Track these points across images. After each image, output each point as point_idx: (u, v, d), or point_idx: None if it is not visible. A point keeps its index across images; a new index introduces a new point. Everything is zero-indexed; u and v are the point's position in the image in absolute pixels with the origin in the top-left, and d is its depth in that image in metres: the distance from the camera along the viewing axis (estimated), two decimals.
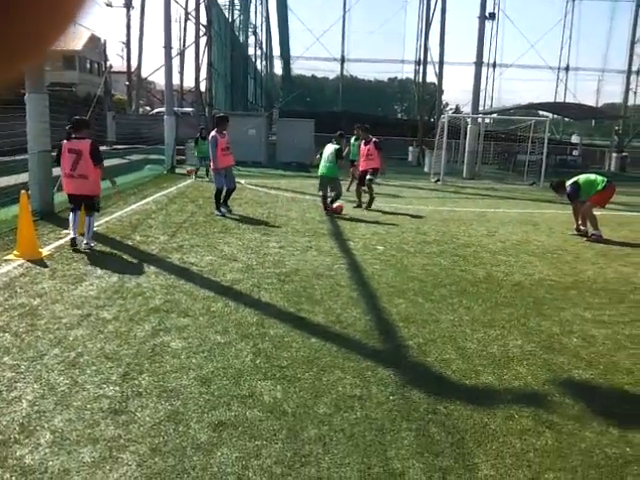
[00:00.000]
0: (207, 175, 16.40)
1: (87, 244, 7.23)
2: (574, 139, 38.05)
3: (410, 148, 28.01)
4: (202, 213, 10.63)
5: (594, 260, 8.02)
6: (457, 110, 48.99)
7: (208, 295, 5.61)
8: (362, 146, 12.48)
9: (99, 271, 6.27)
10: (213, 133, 10.37)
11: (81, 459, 2.88)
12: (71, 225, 7.31)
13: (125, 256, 7.01)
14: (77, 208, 7.33)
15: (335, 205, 11.31)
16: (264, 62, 42.00)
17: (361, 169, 12.33)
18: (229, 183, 10.56)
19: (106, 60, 38.17)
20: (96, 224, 8.26)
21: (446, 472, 2.93)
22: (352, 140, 15.29)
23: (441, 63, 28.77)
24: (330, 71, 41.74)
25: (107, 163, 11.29)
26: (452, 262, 7.51)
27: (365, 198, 12.21)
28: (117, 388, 3.63)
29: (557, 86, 39.27)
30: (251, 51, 38.58)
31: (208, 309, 5.19)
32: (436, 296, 5.96)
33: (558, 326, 5.22)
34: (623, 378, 4.20)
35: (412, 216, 11.51)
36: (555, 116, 35.03)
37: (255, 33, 38.68)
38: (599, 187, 9.73)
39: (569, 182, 9.94)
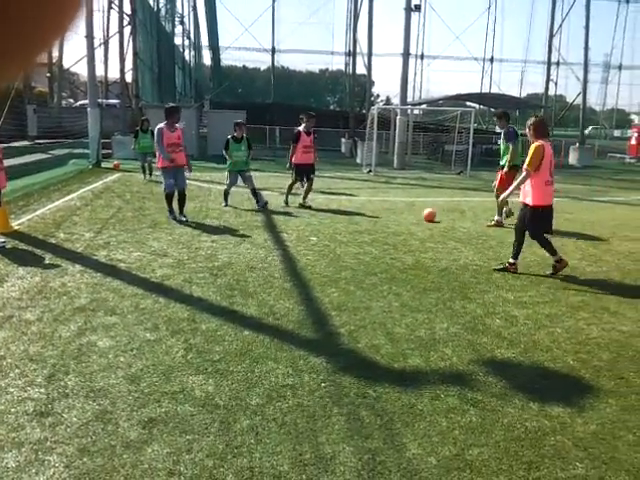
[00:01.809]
0: (150, 174, 14.72)
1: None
2: (498, 129, 39.47)
3: (343, 139, 28.26)
4: (129, 208, 10.35)
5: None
6: (387, 101, 49.82)
7: (137, 292, 5.49)
8: (303, 136, 11.26)
9: (21, 271, 6.01)
10: (160, 125, 9.32)
11: (5, 464, 2.78)
12: None
13: (48, 255, 6.74)
14: None
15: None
16: (192, 52, 41.13)
17: (303, 162, 11.24)
18: (180, 183, 9.46)
19: None
20: (18, 222, 7.91)
21: (375, 453, 3.02)
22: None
23: (370, 55, 29.12)
24: (261, 62, 41.47)
25: (29, 159, 10.84)
26: (383, 250, 7.68)
27: (299, 191, 12.00)
28: (42, 390, 3.52)
29: (483, 77, 40.63)
30: (178, 41, 37.67)
31: (137, 306, 5.09)
32: (367, 284, 6.08)
33: (482, 308, 5.46)
34: (542, 355, 4.45)
35: (345, 207, 11.65)
36: (481, 107, 36.27)
37: (182, 22, 37.79)
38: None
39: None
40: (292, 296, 5.60)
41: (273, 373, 3.89)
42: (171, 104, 10.90)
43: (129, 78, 29.38)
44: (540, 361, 4.35)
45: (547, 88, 35.22)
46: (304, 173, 11.40)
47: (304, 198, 11.45)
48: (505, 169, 9.53)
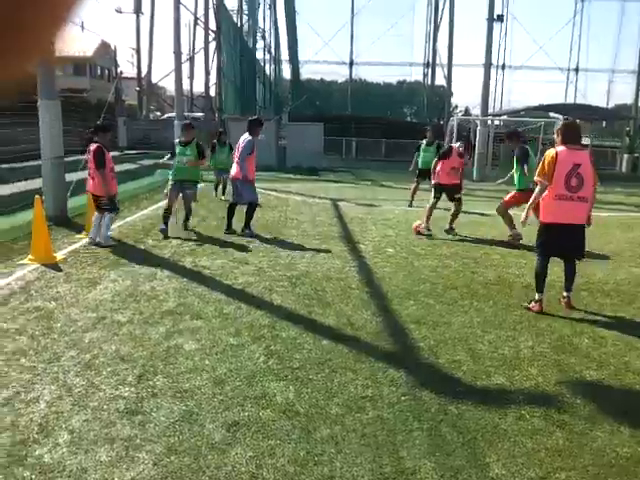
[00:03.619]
0: (223, 193, 13.05)
1: (92, 239, 7.82)
2: (584, 140, 37.85)
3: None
4: (213, 217, 10.71)
5: (605, 262, 8.00)
6: (467, 112, 48.88)
7: (220, 298, 5.67)
8: (454, 155, 9.59)
9: (113, 275, 6.35)
10: (250, 137, 8.88)
11: (98, 458, 2.94)
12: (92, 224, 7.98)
13: (138, 260, 7.09)
14: (97, 208, 7.95)
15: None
16: (273, 66, 42.14)
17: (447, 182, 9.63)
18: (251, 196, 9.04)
19: (117, 66, 38.51)
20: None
21: (458, 471, 2.96)
22: (423, 146, 12.73)
23: (450, 65, 28.79)
24: (338, 74, 41.86)
25: (119, 168, 11.43)
26: (463, 264, 7.53)
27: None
28: (132, 389, 3.70)
29: (567, 87, 39.07)
30: (260, 55, 38.69)
31: (220, 312, 5.25)
32: (447, 298, 5.98)
33: (569, 327, 5.23)
34: (634, 378, 4.21)
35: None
36: (565, 118, 34.90)
37: (264, 37, 38.81)
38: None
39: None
40: (369, 307, 5.59)
41: (352, 384, 3.90)
42: (255, 117, 10.38)
43: (213, 92, 30.52)
44: (631, 384, 4.12)
45: (637, 98, 33.38)
46: (446, 192, 9.75)
47: (450, 223, 9.78)
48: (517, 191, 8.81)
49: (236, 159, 9.03)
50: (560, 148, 5.45)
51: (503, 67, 38.84)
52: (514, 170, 9.13)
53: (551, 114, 31.03)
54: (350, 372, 4.08)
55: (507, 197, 9.18)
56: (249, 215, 9.06)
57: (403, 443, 3.21)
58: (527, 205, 5.89)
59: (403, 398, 3.72)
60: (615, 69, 38.42)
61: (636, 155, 30.52)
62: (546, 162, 5.44)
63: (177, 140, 9.17)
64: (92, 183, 7.91)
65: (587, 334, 5.06)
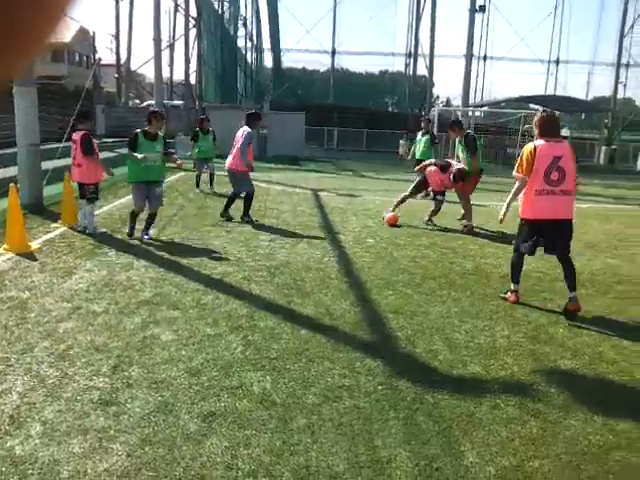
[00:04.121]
0: (211, 185, 12.62)
1: (81, 227, 7.90)
2: (563, 132, 38.24)
3: (401, 141, 28.03)
4: (192, 206, 10.62)
5: (581, 252, 8.10)
6: (448, 103, 49.10)
7: (198, 288, 5.63)
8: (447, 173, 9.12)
9: (89, 264, 6.27)
10: (249, 129, 8.97)
11: (71, 450, 2.90)
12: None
13: (115, 249, 7.00)
14: (80, 196, 7.88)
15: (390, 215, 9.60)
16: (254, 54, 41.83)
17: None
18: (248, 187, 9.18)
19: (95, 53, 37.90)
20: None
21: (433, 460, 2.98)
22: (419, 136, 12.99)
23: (431, 56, 28.83)
24: (321, 63, 41.74)
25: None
26: (441, 254, 7.57)
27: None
28: (107, 380, 3.65)
29: (547, 79, 39.47)
30: (241, 43, 38.42)
31: (198, 302, 5.21)
32: (425, 288, 6.01)
33: (545, 317, 5.29)
34: (608, 368, 4.27)
35: (401, 209, 11.51)
36: (545, 109, 35.18)
37: (245, 25, 38.50)
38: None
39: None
40: (348, 297, 5.60)
41: (329, 373, 3.90)
42: (254, 110, 10.27)
43: (193, 80, 30.17)
44: (605, 373, 4.18)
45: (616, 90, 33.82)
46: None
47: (430, 216, 9.77)
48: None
49: (234, 151, 9.05)
50: (539, 141, 5.26)
51: (485, 58, 39.05)
52: (463, 157, 9.62)
53: (531, 105, 31.27)
54: (327, 362, 4.08)
55: (461, 187, 9.33)
56: (247, 204, 9.28)
57: (379, 432, 3.22)
58: (505, 202, 5.59)
59: (380, 387, 3.73)
60: (595, 61, 38.89)
61: (614, 147, 30.95)
62: (524, 156, 5.25)
63: (140, 130, 7.45)
64: (77, 171, 7.79)
65: (562, 324, 5.13)
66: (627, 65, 34.52)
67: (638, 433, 3.37)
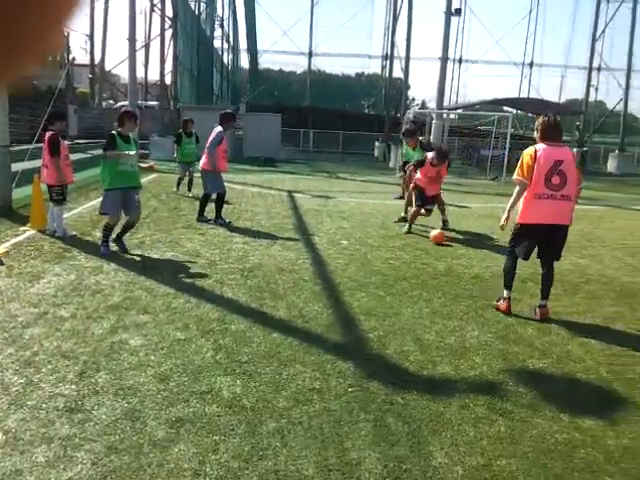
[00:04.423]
0: (190, 189, 12.26)
1: (50, 230, 7.76)
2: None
3: (376, 143, 28.19)
4: (165, 209, 10.52)
5: None
6: (423, 105, 49.38)
7: (169, 292, 5.57)
8: (427, 165, 9.10)
9: (57, 268, 6.16)
10: (221, 129, 8.96)
11: (34, 459, 2.84)
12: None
13: (84, 253, 6.89)
14: (49, 198, 7.79)
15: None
16: (230, 55, 41.64)
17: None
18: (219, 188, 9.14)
19: (69, 53, 37.28)
20: None
21: (401, 461, 2.99)
22: (407, 149, 12.51)
23: (407, 58, 28.98)
24: (298, 65, 41.76)
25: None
26: (414, 256, 7.61)
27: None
28: (73, 387, 3.59)
29: (521, 82, 40.05)
30: (217, 44, 38.21)
31: (169, 306, 5.15)
32: (397, 289, 6.03)
33: (514, 317, 5.35)
34: (575, 366, 4.34)
35: (377, 211, 11.59)
36: (519, 112, 35.68)
37: (222, 26, 38.31)
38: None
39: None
40: (321, 300, 5.59)
41: (300, 376, 3.89)
42: (228, 110, 10.14)
43: (168, 80, 29.88)
44: (572, 372, 4.24)
45: (587, 94, 34.34)
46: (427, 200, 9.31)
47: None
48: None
49: (206, 149, 9.06)
50: (540, 145, 5.18)
51: (460, 61, 39.48)
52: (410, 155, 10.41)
53: (505, 108, 31.68)
54: (299, 364, 4.07)
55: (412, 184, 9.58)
56: (218, 206, 9.23)
57: (348, 434, 3.21)
58: (507, 207, 5.48)
59: (350, 390, 3.73)
60: (567, 65, 39.57)
61: (585, 149, 31.49)
62: (524, 160, 5.17)
63: (115, 132, 6.92)
64: (45, 172, 7.71)
65: (531, 324, 5.20)
66: (599, 69, 35.13)
67: (603, 431, 3.42)
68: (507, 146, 19.94)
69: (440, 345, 4.57)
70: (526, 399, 3.76)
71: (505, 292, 5.50)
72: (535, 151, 5.14)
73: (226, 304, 5.31)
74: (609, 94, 56.85)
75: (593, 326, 5.24)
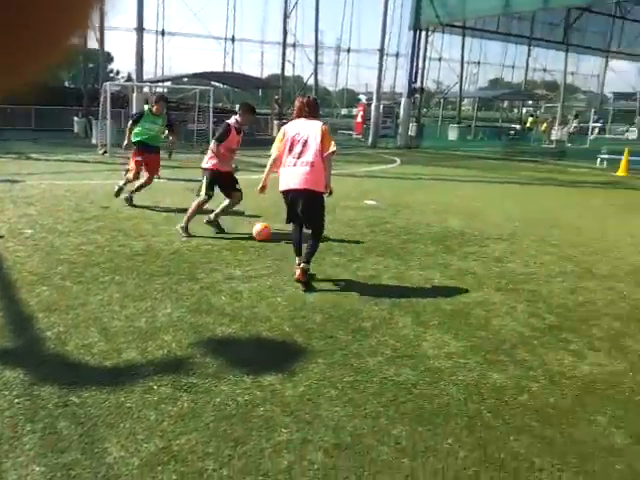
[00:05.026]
0: None
1: None
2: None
3: (75, 118, 25.95)
4: None
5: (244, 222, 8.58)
6: (129, 78, 47.17)
7: None
8: (233, 133, 7.49)
9: None
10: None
11: None
12: None
13: None
14: None
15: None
16: None
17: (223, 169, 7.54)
18: None
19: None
20: None
21: (71, 467, 2.72)
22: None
23: (102, 29, 27.05)
24: None
25: None
26: (110, 237, 7.16)
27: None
28: None
29: (225, 56, 40.88)
30: None
31: None
32: (86, 277, 5.58)
33: (209, 287, 5.41)
34: (261, 326, 4.56)
35: (74, 192, 10.62)
36: (225, 86, 36.55)
37: None
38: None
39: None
40: None
41: None
42: None
43: None
44: (258, 332, 4.45)
45: (283, 69, 36.84)
46: (222, 185, 7.58)
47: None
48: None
49: None
50: (291, 123, 5.76)
51: (163, 33, 38.42)
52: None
53: (213, 83, 32.12)
54: None
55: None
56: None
57: (9, 453, 2.80)
58: (264, 176, 5.93)
59: (16, 401, 3.27)
60: (264, 40, 41.74)
61: (284, 121, 33.93)
62: (278, 136, 5.74)
63: None
64: None
65: (225, 291, 5.31)
66: (293, 45, 37.83)
67: (282, 383, 3.63)
68: (211, 120, 20.22)
69: (128, 330, 4.34)
70: (212, 369, 3.79)
71: (297, 259, 5.73)
72: (284, 128, 5.78)
73: None
74: (304, 69, 62.13)
75: (279, 285, 5.59)
